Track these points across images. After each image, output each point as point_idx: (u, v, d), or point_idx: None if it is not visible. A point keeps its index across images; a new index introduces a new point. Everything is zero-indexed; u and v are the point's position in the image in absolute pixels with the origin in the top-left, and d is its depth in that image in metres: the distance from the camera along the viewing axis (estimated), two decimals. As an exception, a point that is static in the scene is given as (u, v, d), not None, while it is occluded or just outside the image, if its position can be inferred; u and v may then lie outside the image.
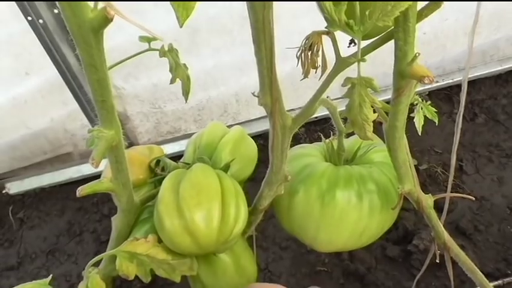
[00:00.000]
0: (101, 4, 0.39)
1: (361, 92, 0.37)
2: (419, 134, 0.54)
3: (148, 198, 0.62)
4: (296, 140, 1.38)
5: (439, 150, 1.28)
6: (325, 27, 0.36)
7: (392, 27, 0.39)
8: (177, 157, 0.70)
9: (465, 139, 1.30)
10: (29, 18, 1.05)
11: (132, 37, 0.60)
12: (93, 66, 0.42)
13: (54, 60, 1.17)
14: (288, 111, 0.48)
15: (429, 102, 0.55)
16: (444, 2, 0.40)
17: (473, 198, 0.59)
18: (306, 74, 0.45)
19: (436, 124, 0.56)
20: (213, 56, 1.20)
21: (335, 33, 0.43)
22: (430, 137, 1.30)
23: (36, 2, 1.03)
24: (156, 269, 0.56)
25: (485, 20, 1.31)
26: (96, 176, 0.57)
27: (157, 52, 0.59)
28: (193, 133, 0.71)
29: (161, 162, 0.67)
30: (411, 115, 0.50)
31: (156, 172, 0.66)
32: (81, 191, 0.53)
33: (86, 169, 1.41)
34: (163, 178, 0.60)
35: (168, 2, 0.34)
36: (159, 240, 0.57)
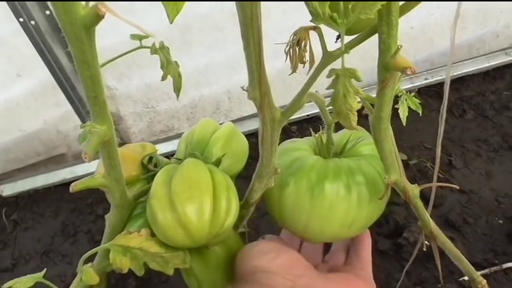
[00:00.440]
0: (92, 2, 0.40)
1: (345, 82, 0.39)
2: (404, 125, 0.55)
3: (141, 194, 0.63)
4: (288, 138, 1.40)
5: (428, 146, 1.30)
6: (310, 21, 0.38)
7: (377, 22, 0.41)
8: (171, 156, 0.71)
9: (454, 135, 1.32)
10: (21, 19, 1.06)
11: (125, 37, 0.61)
12: (85, 62, 0.43)
13: (47, 62, 1.18)
14: (280, 107, 0.50)
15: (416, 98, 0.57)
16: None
17: (458, 187, 0.60)
18: (294, 69, 0.46)
19: (420, 115, 0.58)
20: (205, 54, 1.22)
21: (322, 28, 0.45)
22: (420, 133, 1.32)
23: (28, 4, 1.04)
24: (149, 262, 0.57)
25: (471, 14, 1.33)
26: (90, 177, 0.58)
27: (149, 52, 0.60)
28: (187, 131, 0.72)
29: (154, 159, 0.68)
30: (395, 106, 0.52)
31: (149, 168, 0.67)
32: (74, 186, 0.53)
33: (80, 170, 1.42)
34: (155, 174, 0.61)
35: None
36: (152, 234, 0.57)
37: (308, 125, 1.40)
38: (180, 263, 0.59)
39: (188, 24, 1.15)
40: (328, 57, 0.42)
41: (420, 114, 0.57)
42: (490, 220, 1.10)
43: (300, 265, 0.56)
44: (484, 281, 0.66)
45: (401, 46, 0.40)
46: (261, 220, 1.17)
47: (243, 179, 0.70)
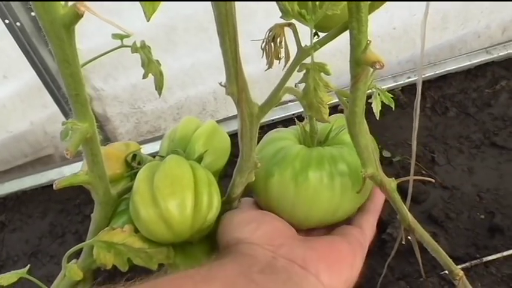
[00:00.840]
0: (71, 1, 0.41)
1: (315, 76, 0.40)
2: (377, 119, 0.57)
3: (125, 191, 0.64)
4: (274, 137, 1.41)
5: (411, 143, 1.32)
6: (280, 17, 0.39)
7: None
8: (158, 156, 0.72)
9: (437, 132, 1.34)
10: (6, 21, 1.06)
11: (111, 38, 0.62)
12: (66, 61, 0.44)
13: (33, 63, 1.18)
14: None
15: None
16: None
17: (433, 181, 0.62)
18: (270, 65, 0.48)
19: (393, 109, 0.59)
20: (190, 55, 1.23)
21: (297, 25, 0.46)
22: (404, 131, 1.34)
23: (13, 5, 1.05)
24: (133, 257, 0.58)
25: (452, 15, 1.35)
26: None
27: (135, 53, 0.60)
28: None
29: (137, 157, 0.69)
30: (369, 101, 0.53)
31: (133, 166, 0.68)
32: (58, 184, 0.54)
33: (68, 171, 1.42)
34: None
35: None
36: (136, 230, 0.59)
37: (294, 123, 1.41)
38: (164, 259, 0.60)
39: (173, 25, 1.16)
40: (303, 53, 0.44)
41: (393, 110, 0.59)
42: (472, 215, 1.11)
43: (281, 234, 0.58)
44: (461, 273, 0.68)
45: (370, 41, 0.42)
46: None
47: (226, 178, 0.71)
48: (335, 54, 1.20)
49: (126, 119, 1.36)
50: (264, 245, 0.55)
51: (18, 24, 1.08)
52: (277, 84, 0.49)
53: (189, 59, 1.24)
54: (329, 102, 0.46)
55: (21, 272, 0.54)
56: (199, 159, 0.63)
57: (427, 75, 1.43)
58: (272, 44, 0.46)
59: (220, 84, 0.46)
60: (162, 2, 0.37)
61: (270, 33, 0.46)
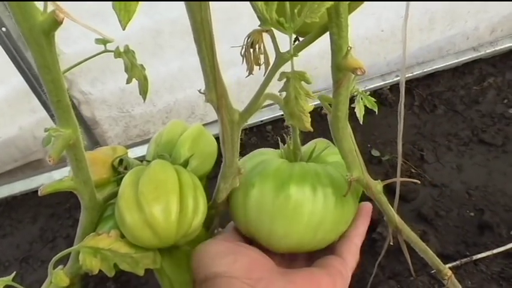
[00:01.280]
0: (50, 7, 0.41)
1: (295, 85, 0.40)
2: (361, 123, 0.57)
3: (111, 196, 0.63)
4: (263, 138, 1.41)
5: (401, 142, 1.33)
6: (259, 25, 0.39)
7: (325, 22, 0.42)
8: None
9: (426, 130, 1.35)
10: (-8, 26, 1.06)
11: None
12: (46, 67, 0.44)
13: (20, 68, 1.18)
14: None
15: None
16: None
17: (419, 182, 0.63)
18: (250, 71, 0.47)
19: (376, 113, 0.59)
20: (177, 59, 1.22)
21: (274, 30, 0.46)
22: (393, 130, 1.34)
23: (-3, 11, 1.04)
24: (119, 263, 0.57)
25: (440, 16, 1.36)
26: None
27: (119, 57, 0.60)
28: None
29: (124, 161, 0.69)
30: (352, 105, 0.53)
31: (119, 171, 0.68)
32: (43, 190, 0.54)
33: (57, 175, 1.42)
34: (125, 176, 0.61)
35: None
36: (122, 235, 0.58)
37: (283, 124, 1.42)
38: (150, 263, 0.59)
39: (159, 29, 1.15)
40: (281, 59, 0.43)
41: (376, 113, 0.59)
42: (461, 213, 1.12)
43: (260, 267, 0.55)
44: (450, 272, 0.68)
45: (350, 47, 0.42)
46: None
47: (212, 180, 0.70)
48: (323, 56, 1.20)
49: (115, 122, 1.36)
50: (242, 278, 0.53)
51: (3, 29, 1.07)
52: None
53: (176, 63, 1.24)
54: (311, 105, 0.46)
55: (7, 280, 0.54)
56: (185, 164, 0.63)
57: (414, 73, 1.44)
58: (251, 50, 0.46)
59: (199, 91, 0.46)
60: (137, 11, 0.37)
61: (249, 39, 0.46)
